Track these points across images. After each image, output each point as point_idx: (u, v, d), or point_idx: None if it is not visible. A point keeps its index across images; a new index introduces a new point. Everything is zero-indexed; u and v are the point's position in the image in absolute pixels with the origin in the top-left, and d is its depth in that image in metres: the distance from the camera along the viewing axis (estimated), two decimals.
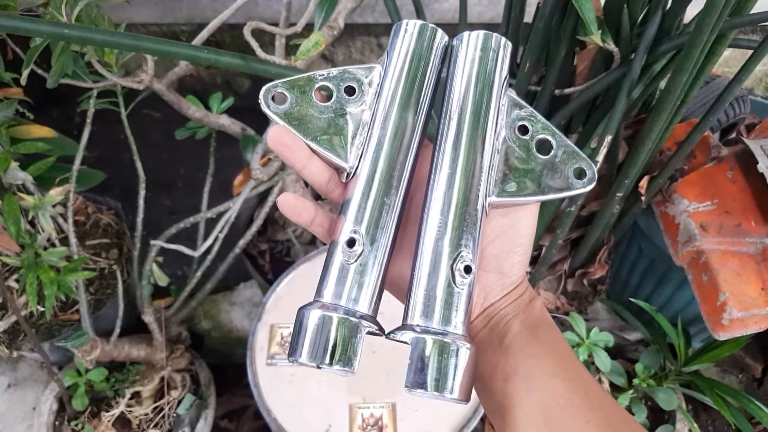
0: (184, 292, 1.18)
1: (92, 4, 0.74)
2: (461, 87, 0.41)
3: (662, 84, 0.85)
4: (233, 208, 1.01)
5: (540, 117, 0.41)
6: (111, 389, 1.15)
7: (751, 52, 0.79)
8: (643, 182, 0.99)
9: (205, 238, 1.04)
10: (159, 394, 1.17)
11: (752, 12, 0.73)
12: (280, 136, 0.39)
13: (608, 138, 0.84)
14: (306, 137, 0.40)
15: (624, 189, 0.95)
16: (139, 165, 1.05)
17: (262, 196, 1.16)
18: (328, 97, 0.41)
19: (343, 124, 0.40)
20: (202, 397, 1.19)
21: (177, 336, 1.22)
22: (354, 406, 0.98)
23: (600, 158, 0.84)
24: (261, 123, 1.01)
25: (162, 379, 1.17)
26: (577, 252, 1.14)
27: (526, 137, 0.41)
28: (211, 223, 1.07)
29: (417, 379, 0.34)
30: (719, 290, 0.93)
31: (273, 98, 0.40)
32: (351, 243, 0.37)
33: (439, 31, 0.43)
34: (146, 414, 1.14)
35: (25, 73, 0.70)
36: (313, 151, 0.40)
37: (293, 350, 0.35)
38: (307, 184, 1.30)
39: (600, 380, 1.11)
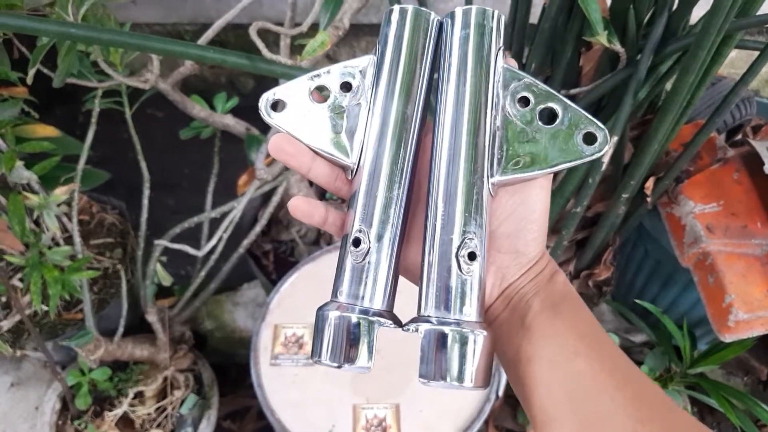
0: (187, 291, 1.18)
1: (98, 4, 0.74)
2: (456, 66, 0.40)
3: (668, 85, 0.85)
4: (237, 208, 1.01)
5: (541, 84, 0.40)
6: (114, 389, 1.15)
7: (757, 53, 0.78)
8: (649, 183, 0.99)
9: (209, 238, 1.04)
10: (162, 394, 1.17)
11: (759, 13, 0.73)
12: (281, 145, 0.39)
13: (614, 139, 0.84)
14: (307, 140, 0.40)
15: (630, 190, 0.95)
16: (143, 165, 1.05)
17: (266, 196, 1.16)
18: (326, 97, 0.41)
19: (343, 122, 0.40)
20: (205, 398, 1.19)
21: (180, 336, 1.22)
22: (358, 406, 0.97)
23: (606, 159, 0.84)
24: (265, 123, 1.01)
25: (165, 379, 1.17)
26: (583, 253, 1.13)
27: (527, 109, 0.39)
28: (215, 223, 1.07)
29: (433, 370, 0.34)
30: (725, 292, 0.92)
31: (272, 106, 0.40)
32: (357, 242, 0.37)
33: (431, 13, 0.42)
34: (149, 414, 1.14)
35: (32, 72, 0.70)
36: (316, 152, 0.40)
37: (314, 351, 0.36)
38: (312, 183, 1.30)
39: None
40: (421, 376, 0.35)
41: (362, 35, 1.65)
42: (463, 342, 0.34)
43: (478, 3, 1.61)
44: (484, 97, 0.39)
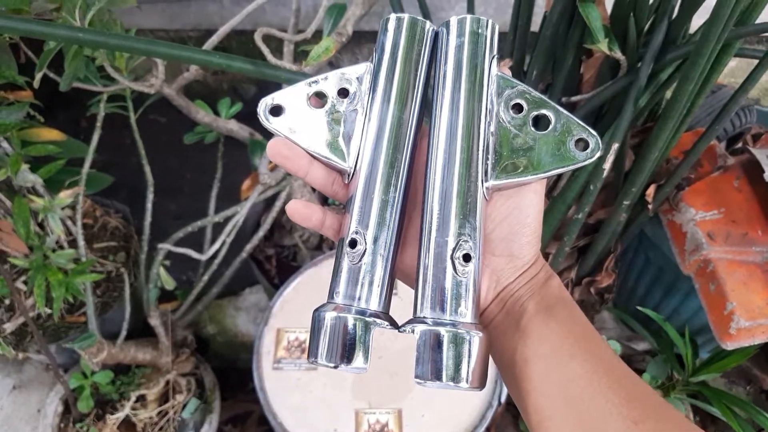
0: (190, 296, 1.18)
1: (104, 9, 0.75)
2: (450, 74, 0.41)
3: (669, 93, 0.85)
4: (241, 212, 1.02)
5: (534, 92, 0.41)
6: (116, 392, 1.15)
7: (756, 61, 0.79)
8: (650, 190, 0.99)
9: (212, 242, 1.04)
10: (164, 398, 1.17)
11: (758, 22, 0.74)
12: (278, 148, 0.40)
13: (615, 146, 0.84)
14: (305, 144, 0.40)
15: (631, 197, 0.95)
16: (147, 169, 1.06)
17: (269, 201, 1.17)
18: (324, 102, 0.42)
19: (340, 127, 0.41)
20: (206, 402, 1.19)
21: (183, 340, 1.22)
22: (360, 411, 0.98)
23: (607, 166, 0.84)
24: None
25: (167, 382, 1.17)
26: (584, 260, 1.14)
27: (521, 115, 0.40)
28: (218, 228, 1.08)
29: (429, 370, 0.35)
30: (726, 299, 0.92)
31: (271, 111, 0.41)
32: (353, 244, 0.38)
33: (427, 23, 0.43)
34: (151, 417, 1.14)
35: (38, 76, 0.71)
36: (313, 156, 0.41)
37: (311, 352, 0.36)
38: (314, 190, 1.31)
39: None
40: (416, 376, 0.36)
41: (364, 42, 1.66)
42: (459, 342, 0.35)
43: (480, 11, 1.61)
44: (479, 103, 0.40)
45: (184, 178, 1.71)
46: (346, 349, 0.35)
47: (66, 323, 1.11)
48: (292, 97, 0.41)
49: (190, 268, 1.19)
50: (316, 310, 0.38)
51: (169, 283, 1.11)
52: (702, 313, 0.97)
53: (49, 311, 1.06)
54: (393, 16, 0.42)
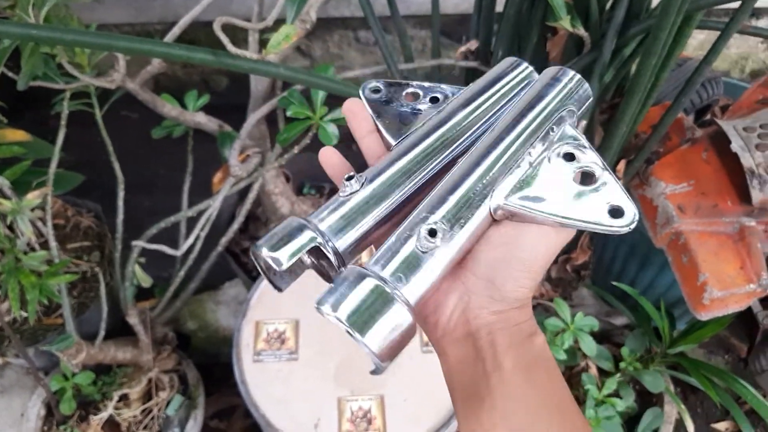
0: (168, 292, 1.17)
1: (60, 4, 0.74)
2: (519, 103, 0.43)
3: (634, 68, 0.86)
4: (213, 205, 1.01)
5: (595, 154, 0.40)
6: (99, 392, 1.15)
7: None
8: (620, 166, 1.00)
9: (187, 237, 1.03)
10: (147, 396, 1.17)
11: None
12: (350, 104, 0.45)
13: (583, 123, 0.84)
14: (378, 118, 0.45)
15: None
16: (116, 166, 1.04)
17: (243, 193, 1.16)
18: (414, 100, 0.46)
19: (413, 120, 0.45)
20: (190, 398, 1.18)
21: (163, 337, 1.22)
22: (342, 399, 0.98)
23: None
24: (238, 120, 1.01)
25: (150, 380, 1.16)
26: None
27: (569, 164, 0.39)
28: (192, 223, 1.07)
29: (336, 302, 0.33)
30: (699, 271, 0.93)
31: (372, 90, 0.47)
32: (349, 179, 0.39)
33: (533, 72, 0.46)
34: (135, 416, 1.13)
35: None
36: (379, 130, 0.45)
37: (260, 240, 0.37)
38: (288, 179, 1.30)
39: (587, 365, 1.12)
40: (318, 302, 0.34)
41: (335, 29, 1.64)
42: (382, 297, 0.34)
43: None
44: (525, 127, 0.41)
45: (158, 174, 1.69)
46: (279, 243, 0.36)
47: (43, 326, 1.10)
48: (393, 85, 0.47)
49: (168, 265, 1.18)
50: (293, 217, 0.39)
51: (146, 281, 1.10)
52: (676, 285, 0.98)
53: (25, 314, 1.05)
54: (516, 61, 0.47)
